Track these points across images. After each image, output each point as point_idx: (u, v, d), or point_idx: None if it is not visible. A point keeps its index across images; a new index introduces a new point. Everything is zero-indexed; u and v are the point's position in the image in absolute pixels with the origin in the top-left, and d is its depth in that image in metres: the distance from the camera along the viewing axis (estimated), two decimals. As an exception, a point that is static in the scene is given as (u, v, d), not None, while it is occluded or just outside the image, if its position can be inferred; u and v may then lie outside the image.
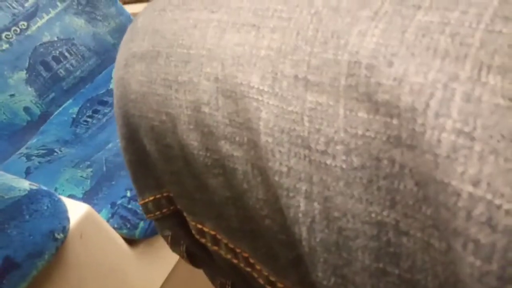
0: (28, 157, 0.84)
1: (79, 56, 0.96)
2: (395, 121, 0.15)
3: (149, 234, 0.71)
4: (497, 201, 0.12)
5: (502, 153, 0.12)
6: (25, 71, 0.89)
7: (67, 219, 0.59)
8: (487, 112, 0.13)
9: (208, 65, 0.21)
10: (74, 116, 0.91)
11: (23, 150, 0.87)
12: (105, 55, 0.99)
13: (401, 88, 0.15)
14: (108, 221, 0.69)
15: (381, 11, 0.16)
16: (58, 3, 0.94)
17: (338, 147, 0.17)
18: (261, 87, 0.19)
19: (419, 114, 0.14)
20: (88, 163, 0.79)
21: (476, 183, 0.13)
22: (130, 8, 1.60)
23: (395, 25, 0.16)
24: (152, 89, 0.24)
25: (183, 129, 0.22)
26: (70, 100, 0.94)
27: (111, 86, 0.97)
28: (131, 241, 0.71)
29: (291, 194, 0.19)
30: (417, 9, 0.16)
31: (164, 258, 0.75)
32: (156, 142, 0.25)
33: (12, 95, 0.87)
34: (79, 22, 0.96)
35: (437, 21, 0.15)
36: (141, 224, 0.70)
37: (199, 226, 0.26)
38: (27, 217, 0.55)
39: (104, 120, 0.90)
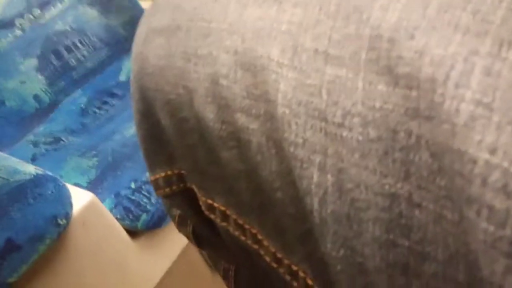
0: (35, 144, 0.84)
1: (91, 47, 0.96)
2: (414, 93, 0.15)
3: (151, 226, 0.71)
4: None
5: None
6: (36, 59, 0.90)
7: (71, 205, 0.59)
8: (506, 85, 0.13)
9: (228, 38, 0.21)
10: (83, 106, 0.91)
11: (30, 136, 0.87)
12: (116, 47, 1.00)
13: (421, 60, 0.15)
14: (111, 211, 0.69)
15: None
16: (73, -7, 0.95)
17: (355, 120, 0.17)
18: (280, 60, 0.19)
19: (439, 84, 0.14)
20: (94, 152, 0.80)
21: (492, 151, 0.13)
22: (144, 3, 1.62)
23: (417, 0, 0.16)
24: (171, 62, 0.24)
25: (200, 102, 0.23)
26: (80, 90, 0.95)
27: (121, 78, 0.97)
28: (133, 233, 0.71)
29: (305, 166, 0.19)
30: None
31: (165, 251, 0.75)
32: (172, 116, 0.25)
33: (22, 82, 0.88)
34: (92, 13, 0.97)
35: None
36: (144, 216, 0.70)
37: (210, 201, 0.26)
38: (31, 200, 0.55)
39: (113, 111, 0.90)
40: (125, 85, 0.96)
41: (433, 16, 0.15)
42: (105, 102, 0.93)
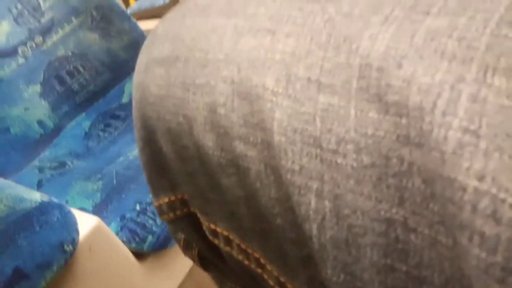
0: (41, 169, 0.85)
1: (93, 71, 0.98)
2: (404, 121, 0.15)
3: (157, 248, 0.71)
4: (502, 195, 0.12)
5: (506, 150, 0.13)
6: (39, 85, 0.91)
7: (77, 231, 0.59)
8: (492, 112, 0.13)
9: (224, 68, 0.22)
10: (87, 129, 0.92)
11: (35, 162, 0.88)
12: (118, 70, 1.01)
13: (410, 89, 0.15)
14: (117, 234, 0.70)
15: (391, 16, 0.17)
16: (73, 19, 0.97)
17: (349, 146, 0.17)
18: (275, 89, 0.19)
19: (427, 112, 0.15)
20: (99, 176, 0.80)
21: (481, 178, 0.13)
22: (143, 25, 1.64)
23: (404, 29, 0.16)
24: (171, 92, 0.24)
25: (199, 130, 0.23)
26: (83, 114, 0.96)
27: (123, 100, 0.98)
28: (139, 255, 0.71)
29: (302, 192, 0.19)
30: (426, 15, 0.16)
31: (172, 272, 0.75)
32: (173, 143, 0.25)
33: (26, 109, 0.89)
34: (93, 38, 0.98)
35: (445, 26, 0.15)
36: (150, 237, 0.70)
37: (212, 226, 0.27)
38: (37, 228, 0.56)
39: (116, 133, 0.91)
40: (128, 107, 0.97)
41: (420, 44, 0.16)
42: (109, 125, 0.94)
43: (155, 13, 1.64)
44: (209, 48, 0.23)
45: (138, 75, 0.27)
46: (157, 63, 0.26)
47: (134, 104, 0.28)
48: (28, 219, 0.56)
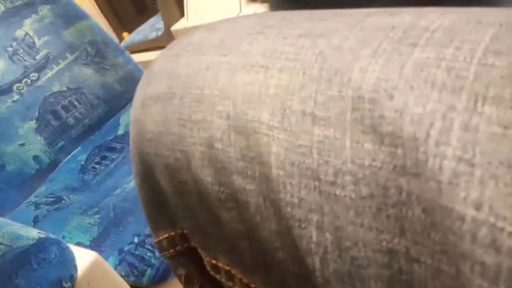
0: (37, 205, 0.84)
1: (88, 104, 0.98)
2: (399, 151, 0.16)
3: (156, 282, 0.69)
4: (500, 224, 0.13)
5: (501, 178, 0.13)
6: (35, 121, 0.91)
7: (75, 267, 0.58)
8: (484, 140, 0.13)
9: (220, 103, 0.22)
10: (83, 163, 0.92)
11: (31, 198, 0.87)
12: (113, 103, 1.02)
13: (402, 119, 0.15)
14: (115, 268, 0.69)
15: (380, 49, 0.17)
16: (68, 55, 0.98)
17: (347, 178, 0.17)
18: (271, 123, 0.20)
19: (421, 143, 0.15)
20: (96, 209, 0.79)
21: (478, 207, 0.13)
22: (137, 57, 1.66)
23: (393, 61, 0.17)
24: (167, 129, 0.25)
25: (197, 165, 0.23)
26: (79, 148, 0.96)
27: (119, 132, 0.98)
28: (139, 289, 0.70)
29: (303, 225, 0.19)
30: (414, 47, 0.17)
31: (172, 305, 0.74)
32: (171, 179, 0.26)
33: (22, 145, 0.89)
34: (88, 72, 0.99)
35: (433, 57, 0.16)
36: (149, 271, 0.69)
37: (214, 261, 0.26)
38: (35, 266, 0.55)
39: (112, 166, 0.91)
40: (124, 138, 0.98)
41: (410, 75, 0.16)
42: (105, 157, 0.94)
43: (148, 46, 1.67)
44: (205, 85, 0.23)
45: (134, 111, 0.28)
46: (153, 100, 0.26)
47: (131, 140, 0.28)
48: (26, 257, 0.56)
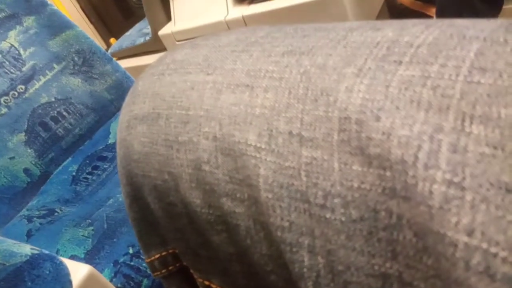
0: (29, 219, 0.83)
1: (77, 114, 0.97)
2: (388, 173, 0.15)
3: (154, 291, 0.69)
4: (493, 250, 0.12)
5: (492, 200, 0.12)
6: (24, 133, 0.90)
7: (70, 282, 0.58)
8: (474, 161, 0.13)
9: (206, 125, 0.22)
10: (74, 174, 0.91)
11: (24, 212, 0.86)
12: (102, 111, 1.01)
13: (390, 142, 0.15)
14: (111, 280, 0.68)
15: (364, 67, 0.17)
16: (55, 65, 0.97)
17: (336, 200, 0.17)
18: (258, 144, 0.19)
19: (409, 166, 0.14)
20: (89, 221, 0.79)
21: (470, 233, 0.13)
22: (125, 63, 1.65)
23: (379, 80, 0.16)
24: (154, 150, 0.24)
25: (185, 187, 0.23)
26: (70, 158, 0.95)
27: (110, 141, 0.97)
28: (136, 300, 0.69)
29: (294, 249, 0.19)
30: (399, 65, 0.16)
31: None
32: (160, 200, 0.25)
33: (11, 158, 0.88)
34: (75, 82, 0.98)
35: (418, 74, 0.16)
36: (145, 281, 0.69)
37: (207, 282, 0.26)
38: (29, 283, 0.54)
39: (104, 175, 0.90)
40: (114, 147, 0.97)
41: (396, 95, 0.16)
42: (96, 167, 0.93)
43: (136, 51, 1.66)
44: (190, 105, 0.23)
45: (120, 132, 0.27)
46: (138, 120, 0.26)
47: (118, 161, 0.28)
48: (19, 275, 0.55)
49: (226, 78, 0.22)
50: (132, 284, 0.68)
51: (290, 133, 0.19)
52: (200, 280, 0.26)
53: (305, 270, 0.18)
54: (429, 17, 1.28)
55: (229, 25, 1.32)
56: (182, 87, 0.24)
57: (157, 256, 0.29)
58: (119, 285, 0.68)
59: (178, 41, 1.47)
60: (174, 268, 0.29)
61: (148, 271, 0.69)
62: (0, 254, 0.56)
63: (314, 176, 0.18)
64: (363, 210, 0.16)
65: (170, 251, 0.28)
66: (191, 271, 0.27)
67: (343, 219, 0.17)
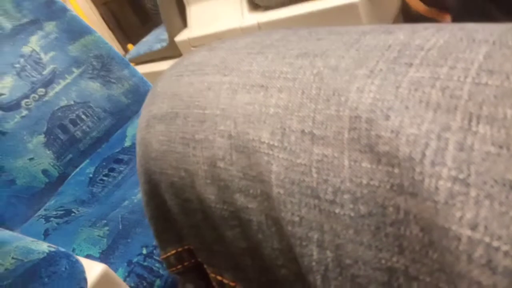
0: (47, 218, 0.85)
1: (95, 117, 0.99)
2: (396, 170, 0.16)
3: (166, 292, 0.70)
4: (495, 243, 0.13)
5: (496, 197, 0.13)
6: (43, 135, 0.92)
7: (85, 280, 0.59)
8: (479, 159, 0.14)
9: (222, 123, 0.22)
10: (91, 175, 0.93)
11: (41, 212, 0.88)
12: (119, 115, 1.03)
13: (398, 139, 0.16)
14: (124, 280, 0.69)
15: (376, 69, 0.18)
16: (74, 69, 1.00)
17: (345, 196, 0.17)
18: (271, 142, 0.20)
19: (417, 163, 0.15)
20: (105, 221, 0.80)
21: (474, 227, 0.13)
22: (143, 69, 1.67)
23: (389, 81, 0.17)
24: (172, 148, 0.25)
25: (201, 184, 0.24)
26: (87, 160, 0.97)
27: (126, 144, 0.99)
28: (148, 300, 0.70)
29: (304, 243, 0.19)
30: (409, 67, 0.17)
31: (182, 316, 0.74)
32: (176, 197, 0.26)
33: (31, 159, 0.90)
34: (94, 86, 1.01)
35: (428, 76, 0.16)
36: (158, 282, 0.69)
37: (219, 277, 0.27)
38: (46, 279, 0.56)
39: (120, 177, 0.92)
40: (131, 150, 0.98)
41: (405, 95, 0.16)
42: (112, 169, 0.95)
43: (153, 57, 1.68)
44: (207, 105, 0.24)
45: (140, 131, 0.28)
46: (157, 119, 0.27)
47: (137, 159, 0.29)
48: (36, 271, 0.56)
49: (242, 79, 0.23)
50: (145, 284, 0.69)
51: (302, 131, 0.19)
52: (213, 275, 0.27)
53: (314, 263, 0.19)
54: (445, 25, 1.27)
55: (244, 32, 1.33)
56: (200, 88, 0.25)
57: (173, 252, 0.30)
58: (132, 285, 0.69)
59: (194, 47, 1.50)
60: (189, 264, 0.30)
61: (161, 272, 0.70)
62: (18, 250, 0.58)
63: (324, 173, 0.18)
64: (371, 205, 0.17)
65: (186, 247, 0.29)
66: (205, 266, 0.28)
67: (352, 214, 0.17)
